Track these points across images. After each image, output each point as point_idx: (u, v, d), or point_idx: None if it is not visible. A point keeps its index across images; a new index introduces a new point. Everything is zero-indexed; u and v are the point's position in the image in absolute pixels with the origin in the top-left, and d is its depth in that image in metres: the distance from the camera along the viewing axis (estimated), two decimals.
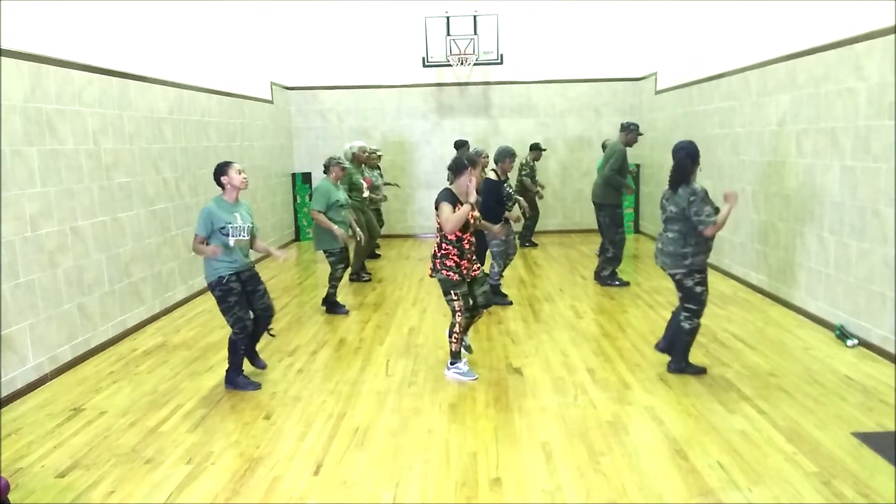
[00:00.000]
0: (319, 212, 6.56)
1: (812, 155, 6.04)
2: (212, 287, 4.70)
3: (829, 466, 3.48)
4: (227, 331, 5.88)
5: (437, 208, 4.71)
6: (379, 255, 10.02)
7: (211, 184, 4.75)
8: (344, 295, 7.49)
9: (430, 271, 4.88)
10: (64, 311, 5.26)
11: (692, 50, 9.12)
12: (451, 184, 4.95)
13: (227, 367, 4.83)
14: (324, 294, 6.97)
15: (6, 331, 4.62)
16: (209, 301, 7.10)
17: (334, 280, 6.79)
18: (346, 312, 6.76)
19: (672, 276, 4.72)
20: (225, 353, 5.49)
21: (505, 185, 6.68)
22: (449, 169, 4.96)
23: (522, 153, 10.30)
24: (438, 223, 4.75)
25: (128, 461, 3.74)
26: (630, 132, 7.67)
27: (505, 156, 6.72)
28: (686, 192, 4.55)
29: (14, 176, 4.74)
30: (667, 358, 5.03)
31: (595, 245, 9.55)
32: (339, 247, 6.70)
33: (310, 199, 6.43)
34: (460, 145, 9.81)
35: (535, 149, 10.50)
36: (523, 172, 10.27)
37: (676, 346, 4.80)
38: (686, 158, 4.60)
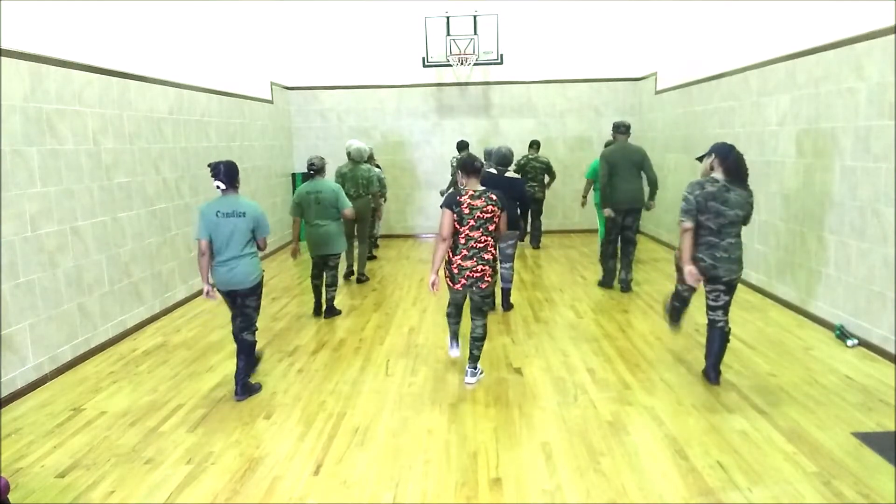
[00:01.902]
0: None
1: (812, 155, 6.04)
2: (259, 286, 4.63)
3: (829, 466, 3.48)
4: (226, 331, 5.92)
5: (501, 212, 4.53)
6: (375, 257, 10.02)
7: (210, 184, 4.72)
8: (344, 295, 7.50)
9: (488, 279, 4.60)
10: (64, 311, 5.26)
11: (692, 50, 9.12)
12: (460, 186, 4.64)
13: (245, 375, 4.65)
14: (322, 298, 6.73)
15: (6, 331, 4.62)
16: (208, 301, 7.07)
17: (336, 282, 6.79)
18: (339, 312, 6.76)
19: (731, 282, 4.45)
20: (226, 353, 5.52)
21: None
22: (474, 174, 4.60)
23: (520, 153, 10.29)
24: (496, 228, 4.57)
25: (128, 461, 3.74)
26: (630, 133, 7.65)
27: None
28: (748, 192, 4.38)
29: (14, 176, 4.74)
30: (665, 362, 5.03)
31: (595, 246, 9.55)
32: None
33: (317, 203, 6.45)
34: (462, 146, 9.80)
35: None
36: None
37: (721, 354, 4.59)
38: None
